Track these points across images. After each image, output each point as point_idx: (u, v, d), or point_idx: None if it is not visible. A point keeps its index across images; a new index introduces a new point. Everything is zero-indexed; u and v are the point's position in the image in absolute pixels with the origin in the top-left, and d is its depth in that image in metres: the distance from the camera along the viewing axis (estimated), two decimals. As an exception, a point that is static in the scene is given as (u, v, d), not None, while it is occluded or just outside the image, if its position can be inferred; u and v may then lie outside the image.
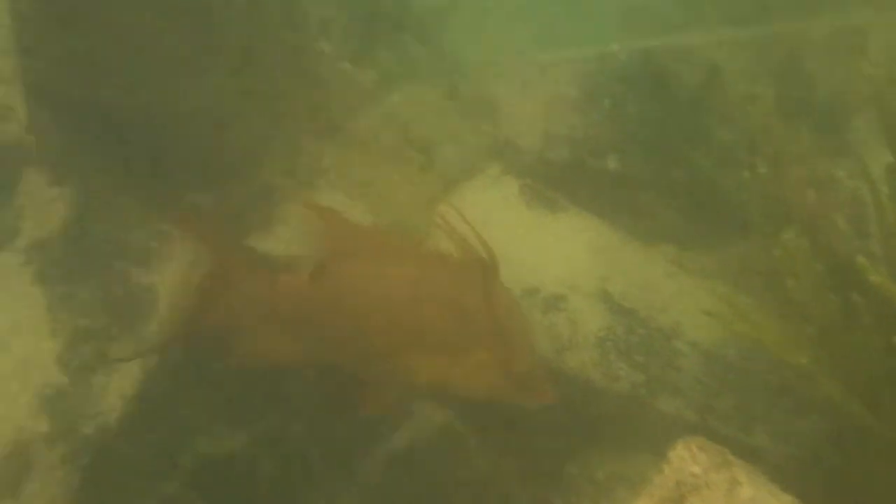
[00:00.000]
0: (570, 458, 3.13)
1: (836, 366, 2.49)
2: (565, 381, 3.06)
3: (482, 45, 4.41)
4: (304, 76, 3.55)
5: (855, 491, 2.52)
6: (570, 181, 3.67)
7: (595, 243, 3.49)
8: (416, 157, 3.57)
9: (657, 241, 3.58)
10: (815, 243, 2.79)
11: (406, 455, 3.06)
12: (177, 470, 3.16)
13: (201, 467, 3.17)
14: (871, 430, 2.34)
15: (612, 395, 3.05)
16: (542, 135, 3.70)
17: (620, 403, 3.04)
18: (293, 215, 3.37)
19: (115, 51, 2.92)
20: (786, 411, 3.01)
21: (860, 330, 2.39)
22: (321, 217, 2.54)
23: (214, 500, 3.11)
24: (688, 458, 2.18)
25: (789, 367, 3.09)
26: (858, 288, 2.36)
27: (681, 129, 3.75)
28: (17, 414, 2.99)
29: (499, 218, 3.52)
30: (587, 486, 3.05)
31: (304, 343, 2.56)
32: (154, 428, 3.12)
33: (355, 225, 2.78)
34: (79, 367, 3.02)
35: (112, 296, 3.12)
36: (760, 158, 3.27)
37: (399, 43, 4.19)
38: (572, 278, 3.33)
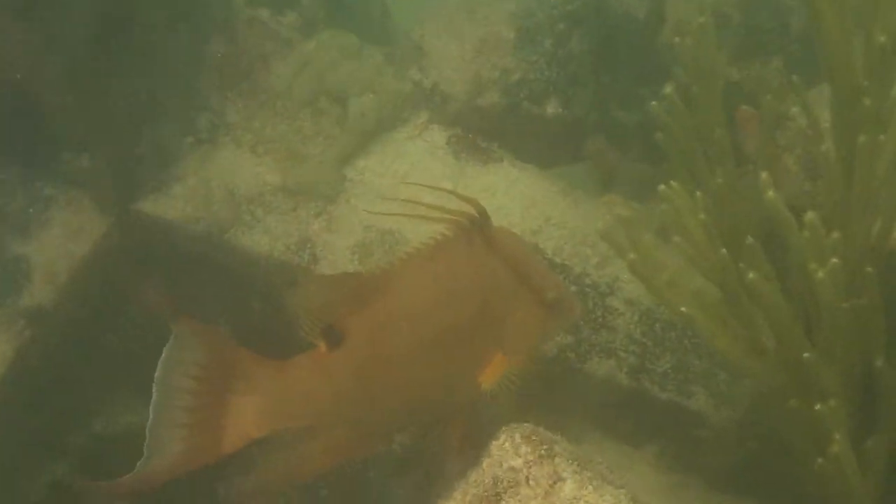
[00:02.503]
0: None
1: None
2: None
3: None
4: (206, 26, 3.26)
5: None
6: (505, 129, 3.36)
7: (529, 195, 3.18)
8: (330, 108, 3.28)
9: (602, 191, 3.29)
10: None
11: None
12: (67, 452, 2.96)
13: (96, 447, 2.98)
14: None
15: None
16: (473, 80, 3.38)
17: (544, 368, 2.76)
18: (190, 173, 3.11)
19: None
20: (727, 371, 2.73)
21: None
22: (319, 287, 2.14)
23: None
24: (510, 450, 1.87)
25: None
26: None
27: (631, 69, 3.44)
28: None
29: (423, 171, 3.23)
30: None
31: (362, 418, 2.11)
32: (37, 411, 2.90)
33: (347, 275, 2.46)
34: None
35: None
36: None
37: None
38: (500, 234, 3.04)
